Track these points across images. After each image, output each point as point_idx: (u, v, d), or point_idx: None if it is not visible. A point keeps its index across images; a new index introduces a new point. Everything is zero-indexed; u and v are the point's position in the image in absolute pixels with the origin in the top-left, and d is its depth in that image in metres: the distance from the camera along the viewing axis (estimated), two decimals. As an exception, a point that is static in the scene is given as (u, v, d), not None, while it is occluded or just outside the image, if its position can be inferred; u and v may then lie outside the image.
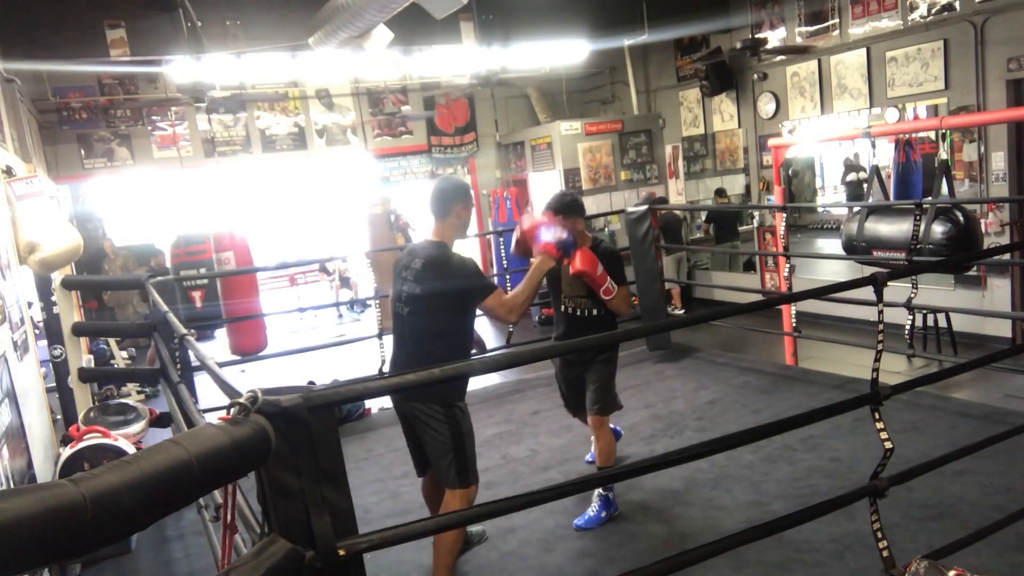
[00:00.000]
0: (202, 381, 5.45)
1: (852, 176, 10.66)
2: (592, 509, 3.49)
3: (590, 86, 10.78)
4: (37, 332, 4.53)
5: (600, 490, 3.49)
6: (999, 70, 6.16)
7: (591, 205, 9.27)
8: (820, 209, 12.21)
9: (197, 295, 8.94)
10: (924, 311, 5.82)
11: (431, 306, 2.92)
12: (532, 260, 3.21)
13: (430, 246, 3.03)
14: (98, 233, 9.66)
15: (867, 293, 2.47)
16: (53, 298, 4.52)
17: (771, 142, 6.67)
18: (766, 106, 8.40)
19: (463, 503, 2.90)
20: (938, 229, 4.73)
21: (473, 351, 3.18)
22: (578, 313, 3.64)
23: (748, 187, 8.94)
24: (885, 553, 2.34)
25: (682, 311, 9.25)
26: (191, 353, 3.61)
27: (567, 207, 3.50)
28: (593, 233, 3.80)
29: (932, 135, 6.88)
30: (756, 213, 8.71)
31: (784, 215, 6.03)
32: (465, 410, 2.96)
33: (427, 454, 3.01)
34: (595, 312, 3.59)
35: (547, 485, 2.11)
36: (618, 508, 3.54)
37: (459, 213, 3.03)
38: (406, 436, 3.13)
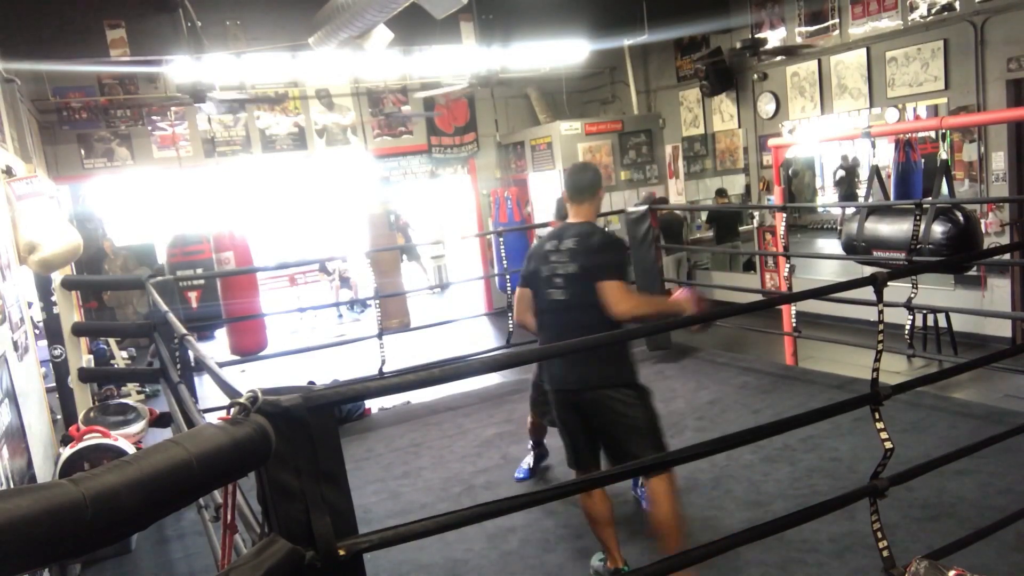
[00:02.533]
0: (202, 381, 5.46)
1: (841, 174, 10.77)
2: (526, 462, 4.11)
3: (590, 86, 10.78)
4: (37, 332, 4.54)
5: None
6: (999, 70, 6.16)
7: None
8: (820, 209, 12.21)
9: (193, 295, 8.91)
10: (924, 311, 5.82)
11: (588, 283, 2.90)
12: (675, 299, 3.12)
13: (579, 226, 3.04)
14: (98, 233, 9.66)
15: (867, 293, 2.47)
16: (53, 298, 4.52)
17: (771, 142, 6.67)
18: (766, 106, 8.39)
19: (671, 485, 2.83)
20: (938, 229, 4.73)
21: None
22: None
23: (748, 187, 8.94)
24: (885, 553, 2.34)
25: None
26: (191, 353, 3.61)
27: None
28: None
29: (932, 135, 6.88)
30: (756, 213, 8.71)
31: (784, 215, 6.04)
32: (646, 388, 2.97)
33: (618, 444, 2.91)
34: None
35: (547, 485, 2.11)
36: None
37: (600, 196, 3.18)
38: (571, 430, 3.03)
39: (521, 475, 4.14)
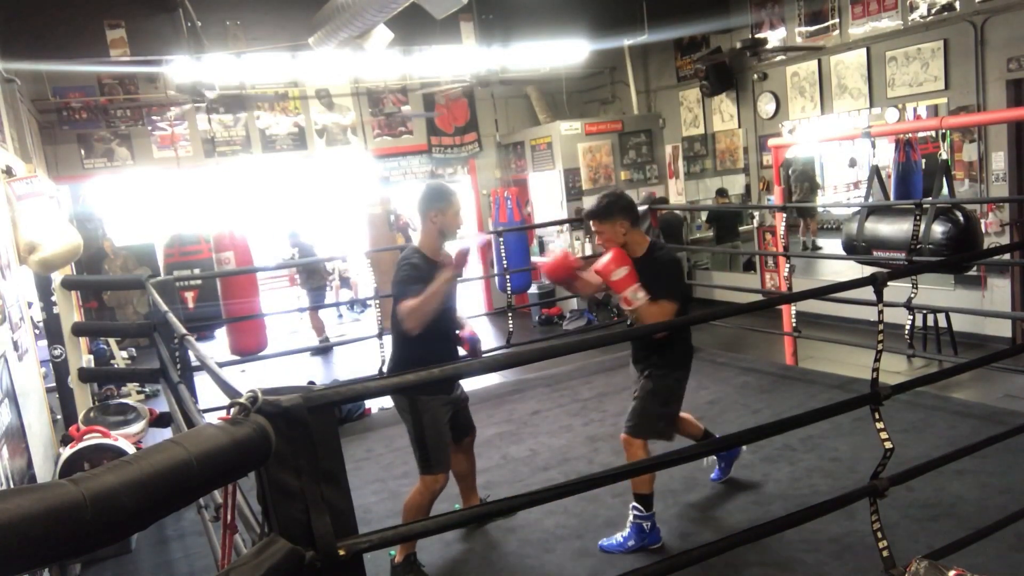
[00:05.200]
0: (202, 381, 5.45)
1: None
2: (620, 534, 3.22)
3: (590, 86, 10.78)
4: (37, 332, 4.53)
5: (632, 514, 3.20)
6: (999, 70, 6.16)
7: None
8: (820, 209, 12.19)
9: (189, 296, 8.91)
10: (924, 311, 5.82)
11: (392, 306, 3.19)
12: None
13: (406, 249, 3.24)
14: (98, 233, 9.66)
15: (867, 293, 2.47)
16: (53, 298, 4.52)
17: (771, 142, 6.67)
18: (766, 106, 8.40)
19: (423, 488, 3.15)
20: (938, 229, 4.73)
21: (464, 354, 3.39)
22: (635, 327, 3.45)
23: (748, 187, 8.95)
24: (885, 553, 2.34)
25: (682, 311, 9.22)
26: (191, 353, 3.61)
27: (601, 211, 3.20)
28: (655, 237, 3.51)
29: (932, 135, 6.88)
30: (756, 213, 8.71)
31: (784, 215, 6.04)
32: (429, 405, 3.10)
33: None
34: None
35: (547, 485, 2.11)
36: (660, 540, 3.20)
37: (433, 218, 3.16)
38: None
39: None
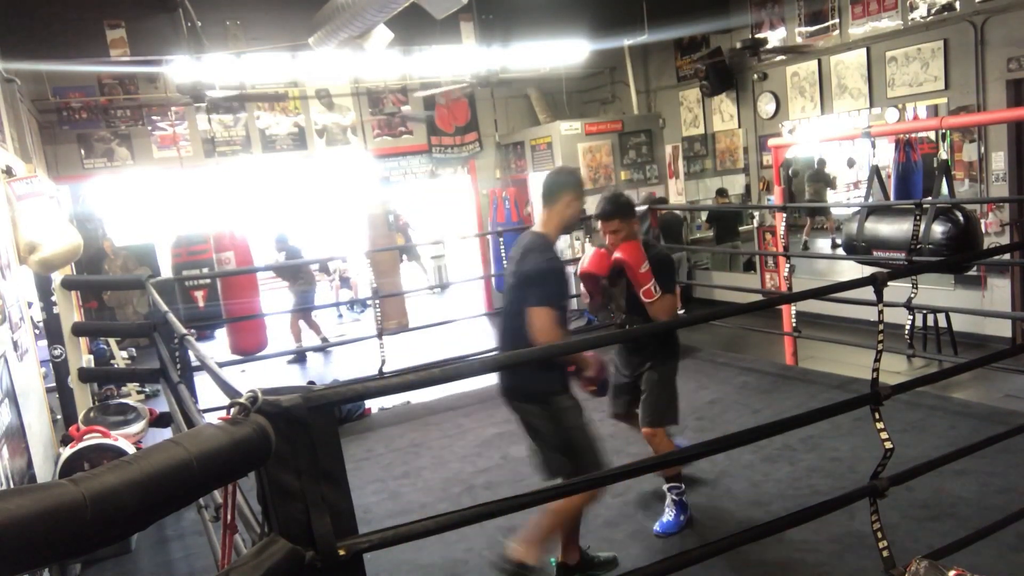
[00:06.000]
0: (202, 381, 5.45)
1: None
2: (669, 514, 3.39)
3: (590, 86, 10.78)
4: (37, 332, 4.53)
5: (669, 494, 3.38)
6: (999, 70, 6.16)
7: (591, 205, 9.27)
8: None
9: (199, 295, 8.93)
10: (924, 311, 5.82)
11: (515, 297, 2.90)
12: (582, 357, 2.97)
13: (530, 236, 2.99)
14: (98, 233, 9.67)
15: (867, 293, 2.47)
16: (53, 298, 4.52)
17: (771, 142, 6.67)
18: (766, 106, 8.39)
19: (579, 500, 2.82)
20: (938, 229, 4.73)
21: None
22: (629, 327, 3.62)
23: (748, 187, 8.95)
24: (885, 553, 2.34)
25: (682, 311, 9.23)
26: (191, 353, 3.61)
27: (623, 209, 3.39)
28: (645, 237, 3.68)
29: (932, 135, 6.88)
30: (756, 213, 8.71)
31: (784, 215, 6.04)
32: (566, 403, 2.88)
33: (539, 456, 3.00)
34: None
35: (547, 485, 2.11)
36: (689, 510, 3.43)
37: (568, 203, 2.97)
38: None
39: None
